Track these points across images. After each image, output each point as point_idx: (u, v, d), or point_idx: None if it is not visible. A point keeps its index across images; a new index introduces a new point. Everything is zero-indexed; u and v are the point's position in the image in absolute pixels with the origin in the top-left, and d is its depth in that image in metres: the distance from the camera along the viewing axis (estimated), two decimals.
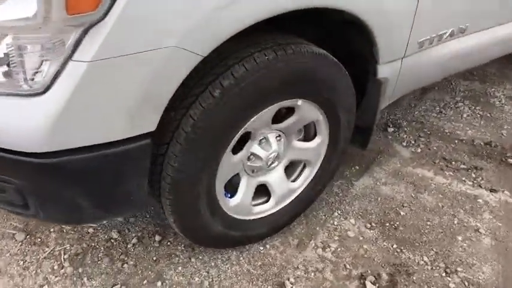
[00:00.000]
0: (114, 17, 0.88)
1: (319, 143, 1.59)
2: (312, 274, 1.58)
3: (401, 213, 1.89)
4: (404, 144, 2.38)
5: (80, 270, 1.54)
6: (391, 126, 2.53)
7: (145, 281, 1.52)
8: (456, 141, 2.42)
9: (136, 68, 0.95)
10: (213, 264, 1.59)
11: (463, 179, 2.12)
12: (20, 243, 1.64)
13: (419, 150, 2.33)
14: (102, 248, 1.63)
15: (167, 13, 0.94)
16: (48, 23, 0.87)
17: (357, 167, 2.19)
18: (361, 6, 1.26)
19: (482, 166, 2.22)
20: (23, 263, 1.56)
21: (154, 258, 1.60)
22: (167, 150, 1.20)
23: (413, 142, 2.40)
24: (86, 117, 0.97)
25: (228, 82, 1.17)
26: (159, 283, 1.51)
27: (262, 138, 1.44)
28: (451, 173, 2.15)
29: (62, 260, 1.58)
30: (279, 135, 1.49)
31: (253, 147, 1.43)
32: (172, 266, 1.58)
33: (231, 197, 1.49)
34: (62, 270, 1.54)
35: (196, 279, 1.53)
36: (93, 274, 1.53)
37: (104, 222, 1.72)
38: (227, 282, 1.53)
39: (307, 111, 1.44)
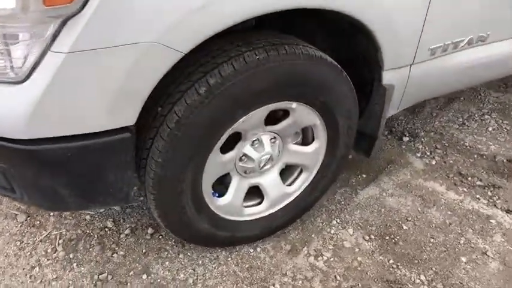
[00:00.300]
0: (91, 10, 0.89)
1: (316, 148, 1.54)
2: (300, 282, 1.54)
3: (404, 227, 1.81)
4: (419, 155, 2.27)
5: (71, 255, 1.58)
6: (407, 135, 2.43)
7: (131, 272, 1.53)
8: (476, 156, 2.28)
9: (114, 61, 0.95)
10: (200, 262, 1.59)
11: (478, 196, 2.00)
12: (20, 224, 1.70)
13: (433, 162, 2.22)
14: (95, 236, 1.66)
15: (146, 8, 0.93)
16: (27, 14, 0.88)
17: (364, 175, 2.11)
18: (358, 7, 1.20)
19: (501, 185, 2.08)
20: (20, 243, 1.62)
21: (144, 251, 1.61)
22: (152, 145, 1.20)
23: (428, 153, 2.29)
24: (64, 108, 0.98)
25: (214, 80, 1.15)
26: (144, 276, 1.52)
27: (256, 140, 1.42)
28: (465, 189, 2.03)
29: (57, 244, 1.62)
30: (274, 138, 1.46)
31: (246, 147, 1.41)
32: (160, 260, 1.58)
33: (220, 197, 1.47)
34: (55, 254, 1.58)
35: (182, 275, 1.53)
36: (83, 261, 1.56)
37: (101, 210, 1.76)
38: (211, 282, 1.52)
39: (302, 114, 1.40)
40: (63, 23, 0.90)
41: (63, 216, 1.74)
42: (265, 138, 1.43)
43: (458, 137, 2.43)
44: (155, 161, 1.21)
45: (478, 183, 2.08)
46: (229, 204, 1.48)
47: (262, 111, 1.30)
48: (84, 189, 1.15)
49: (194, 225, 1.42)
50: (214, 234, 1.50)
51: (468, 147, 2.36)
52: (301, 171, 1.63)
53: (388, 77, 1.48)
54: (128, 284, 1.49)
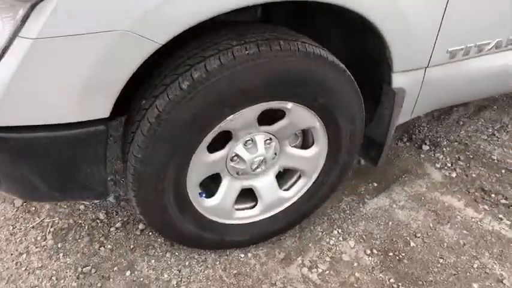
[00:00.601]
0: None
1: (316, 152, 1.43)
2: None
3: (412, 243, 1.66)
4: (438, 165, 2.10)
5: (60, 245, 1.56)
6: (427, 143, 2.25)
7: (116, 268, 1.49)
8: (503, 171, 2.08)
9: (84, 49, 0.89)
10: (187, 263, 1.52)
11: (500, 216, 1.81)
12: (16, 209, 1.70)
13: (454, 175, 2.04)
14: (86, 227, 1.64)
15: None
16: None
17: (375, 184, 1.98)
18: (359, 1, 1.08)
19: None
20: (13, 228, 1.62)
21: (132, 247, 1.57)
22: (133, 140, 1.15)
23: (449, 165, 2.11)
24: (32, 96, 0.94)
25: (198, 75, 1.07)
26: (128, 272, 1.48)
27: (249, 140, 1.33)
28: (486, 207, 1.85)
29: (47, 232, 1.61)
30: (270, 139, 1.36)
31: (237, 147, 1.32)
32: (146, 257, 1.53)
33: (209, 197, 1.40)
34: (44, 242, 1.57)
35: (166, 275, 1.48)
36: (70, 251, 1.54)
37: (96, 201, 1.73)
38: (195, 286, 1.45)
39: (300, 116, 1.30)
40: (32, 7, 0.85)
41: (58, 204, 1.73)
42: (259, 139, 1.34)
43: (485, 149, 2.24)
44: (135, 156, 1.15)
45: (503, 201, 1.89)
46: (218, 206, 1.40)
47: (254, 111, 1.21)
48: (57, 181, 1.11)
49: (178, 226, 1.35)
50: (201, 236, 1.43)
51: (495, 160, 2.16)
52: (300, 176, 1.52)
53: (398, 79, 1.34)
54: (111, 279, 1.46)
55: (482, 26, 1.36)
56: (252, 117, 1.23)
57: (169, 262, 1.52)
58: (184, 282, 1.46)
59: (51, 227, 1.63)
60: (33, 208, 1.71)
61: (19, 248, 1.55)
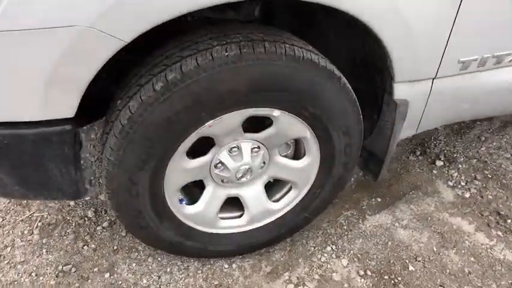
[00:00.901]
0: None
1: (307, 164, 1.34)
2: None
3: (410, 267, 1.54)
4: (451, 183, 1.95)
5: (44, 241, 1.55)
6: (442, 158, 2.10)
7: (96, 269, 1.46)
8: None
9: (43, 45, 0.85)
10: (168, 269, 1.47)
11: None
12: (8, 201, 1.71)
13: (467, 195, 1.89)
14: (73, 224, 1.61)
15: None
16: None
17: (379, 199, 1.86)
18: (354, 2, 0.98)
19: None
20: (2, 220, 1.62)
21: (115, 248, 1.53)
22: (106, 141, 1.10)
23: (463, 184, 1.96)
24: None
25: (173, 76, 1.01)
26: (107, 275, 1.44)
27: (234, 147, 1.26)
28: (500, 233, 1.70)
29: (35, 226, 1.60)
30: (258, 147, 1.28)
31: (221, 154, 1.26)
32: (128, 260, 1.49)
33: (191, 204, 1.34)
34: (30, 237, 1.56)
35: (145, 281, 1.43)
36: (53, 248, 1.52)
37: (87, 198, 1.71)
38: None
39: (289, 125, 1.21)
40: None
41: None
42: (246, 147, 1.26)
43: (506, 169, 2.06)
44: (107, 158, 1.10)
45: None
46: (200, 213, 1.34)
47: (237, 117, 1.14)
48: (26, 180, 1.08)
49: (156, 232, 1.30)
50: (182, 244, 1.37)
51: None
52: (291, 188, 1.44)
53: (401, 90, 1.23)
54: (89, 280, 1.42)
55: (501, 35, 1.23)
56: (235, 123, 1.16)
57: (150, 267, 1.47)
58: None
59: (40, 221, 1.62)
60: (25, 201, 1.71)
61: (5, 241, 1.54)
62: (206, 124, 1.11)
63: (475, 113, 1.50)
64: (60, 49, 0.85)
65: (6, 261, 1.47)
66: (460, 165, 2.07)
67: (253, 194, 1.39)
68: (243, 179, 1.31)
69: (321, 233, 1.66)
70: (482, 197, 1.89)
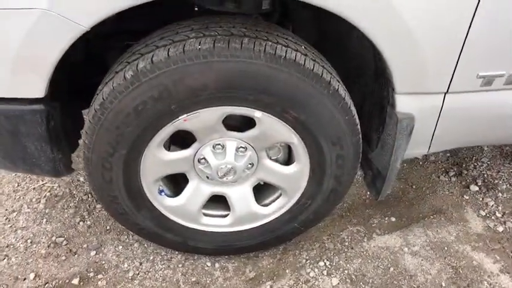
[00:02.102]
0: None
1: (296, 171, 1.25)
2: None
3: None
4: (483, 213, 1.72)
5: (47, 210, 1.63)
6: (479, 183, 1.85)
7: (85, 245, 1.50)
8: None
9: (8, 25, 0.87)
10: (151, 258, 1.47)
11: None
12: None
13: (500, 228, 1.65)
14: (77, 199, 1.68)
15: None
16: None
17: (393, 219, 1.69)
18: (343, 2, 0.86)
19: None
20: (17, 185, 1.74)
21: (108, 228, 1.57)
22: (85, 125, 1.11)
23: (499, 215, 1.71)
24: None
25: (143, 65, 0.98)
26: (93, 252, 1.48)
27: (218, 144, 1.20)
28: None
29: (43, 196, 1.69)
30: (245, 147, 1.21)
31: (205, 150, 1.21)
32: (116, 242, 1.52)
33: (174, 196, 1.31)
34: (36, 205, 1.65)
35: (126, 265, 1.44)
36: (53, 219, 1.60)
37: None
38: (148, 283, 1.39)
39: (273, 127, 1.13)
40: None
41: None
42: (230, 146, 1.20)
43: None
44: (83, 141, 1.11)
45: None
46: (182, 207, 1.31)
47: (215, 113, 1.08)
48: (8, 153, 1.12)
49: (133, 219, 1.29)
50: (161, 235, 1.36)
51: None
52: (281, 194, 1.35)
53: (404, 103, 1.08)
54: (76, 255, 1.47)
55: None
56: (213, 120, 1.10)
57: (135, 252, 1.49)
58: (140, 276, 1.41)
59: (49, 191, 1.71)
60: None
61: (14, 206, 1.65)
62: (180, 117, 1.07)
63: (505, 137, 1.28)
64: (23, 30, 0.86)
65: (9, 225, 1.57)
66: (499, 194, 1.81)
67: (240, 194, 1.33)
68: (226, 178, 1.25)
69: (318, 246, 1.55)
70: None
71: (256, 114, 1.09)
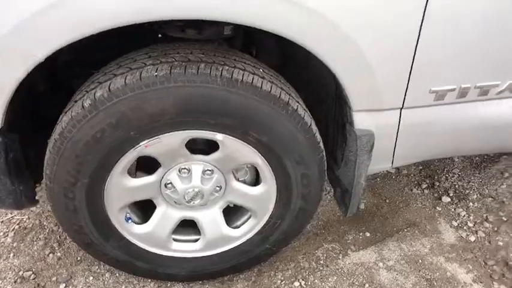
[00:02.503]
0: None
1: (263, 191, 1.25)
2: None
3: None
4: (455, 223, 1.74)
5: (15, 244, 1.58)
6: (450, 194, 1.88)
7: (54, 278, 1.46)
8: None
9: None
10: (123, 287, 1.43)
11: None
12: None
13: (472, 238, 1.67)
14: (47, 230, 1.64)
15: None
16: None
17: (368, 234, 1.69)
18: (282, 22, 0.89)
19: None
20: None
21: (79, 259, 1.53)
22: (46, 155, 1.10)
23: (470, 225, 1.73)
24: None
25: (100, 94, 0.98)
26: (62, 285, 1.44)
27: (184, 168, 1.20)
28: None
29: (11, 229, 1.65)
30: (211, 170, 1.22)
31: (171, 175, 1.21)
32: (87, 273, 1.48)
33: (142, 223, 1.29)
34: (3, 239, 1.61)
35: None
36: (21, 253, 1.55)
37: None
38: None
39: (236, 150, 1.14)
40: None
41: None
42: (196, 169, 1.20)
43: None
44: (45, 172, 1.10)
45: None
46: (150, 234, 1.29)
47: (177, 138, 1.08)
48: None
49: (101, 249, 1.27)
50: (132, 263, 1.34)
51: None
52: (251, 216, 1.35)
53: (362, 120, 1.11)
54: None
55: (482, 63, 1.06)
56: (175, 144, 1.10)
57: (106, 283, 1.45)
58: None
59: (18, 224, 1.67)
60: None
61: None
62: (141, 144, 1.07)
63: (466, 149, 1.32)
64: None
65: None
66: (470, 204, 1.84)
67: (210, 218, 1.32)
68: (193, 202, 1.25)
69: (293, 266, 1.54)
70: (490, 242, 1.65)
71: (218, 137, 1.10)
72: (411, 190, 1.93)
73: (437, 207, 1.82)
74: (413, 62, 0.99)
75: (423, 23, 0.93)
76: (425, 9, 0.92)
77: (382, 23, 0.92)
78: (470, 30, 0.98)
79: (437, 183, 1.96)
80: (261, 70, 1.09)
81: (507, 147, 1.34)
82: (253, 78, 1.03)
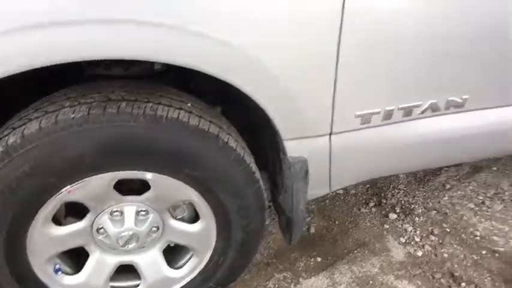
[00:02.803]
0: None
1: (202, 228, 1.21)
2: None
3: None
4: (403, 240, 1.77)
5: None
6: (397, 210, 1.92)
7: None
8: (484, 252, 1.70)
9: None
10: None
11: None
12: None
13: (420, 253, 1.70)
14: None
15: None
16: None
17: (319, 259, 1.68)
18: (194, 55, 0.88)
19: None
20: None
21: None
22: None
23: (417, 239, 1.76)
24: None
25: (13, 140, 0.92)
26: None
27: (116, 211, 1.14)
28: None
29: None
30: (145, 211, 1.16)
31: (102, 219, 1.14)
32: None
33: (72, 274, 1.20)
34: None
35: None
36: None
37: None
38: None
39: (169, 187, 1.09)
40: None
41: None
42: (129, 211, 1.14)
43: (468, 221, 1.86)
44: None
45: None
46: (84, 284, 1.20)
47: (103, 180, 1.03)
48: None
49: None
50: None
51: (478, 237, 1.78)
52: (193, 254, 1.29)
53: (293, 148, 1.11)
54: None
55: (402, 85, 1.10)
56: (102, 187, 1.05)
57: None
58: None
59: None
60: None
61: None
62: (63, 190, 1.00)
63: (399, 167, 1.35)
64: None
65: None
66: (416, 218, 1.88)
67: (150, 261, 1.25)
68: (128, 246, 1.18)
69: None
70: (436, 255, 1.69)
71: (148, 176, 1.06)
72: (359, 209, 1.95)
73: (385, 225, 1.85)
74: (335, 89, 1.01)
75: (339, 49, 0.96)
76: (340, 34, 0.94)
77: (297, 52, 0.93)
78: (386, 55, 1.02)
79: (384, 201, 2.00)
80: (188, 104, 1.07)
81: (436, 163, 1.39)
82: (179, 114, 1.00)
